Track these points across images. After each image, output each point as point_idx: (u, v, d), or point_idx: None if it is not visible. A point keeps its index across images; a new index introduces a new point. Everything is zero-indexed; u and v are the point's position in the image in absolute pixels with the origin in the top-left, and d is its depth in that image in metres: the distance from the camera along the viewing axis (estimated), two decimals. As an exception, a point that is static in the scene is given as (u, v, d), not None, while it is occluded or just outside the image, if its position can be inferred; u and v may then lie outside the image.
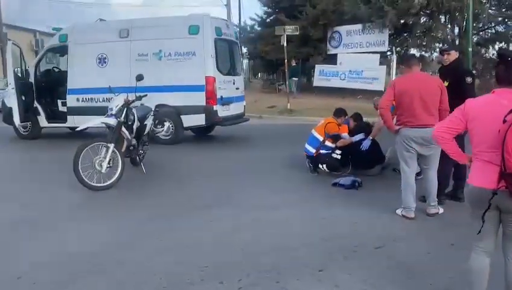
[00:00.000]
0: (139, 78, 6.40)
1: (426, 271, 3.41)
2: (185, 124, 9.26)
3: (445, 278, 3.28)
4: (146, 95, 6.48)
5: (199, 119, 9.15)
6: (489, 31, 20.87)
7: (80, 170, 5.58)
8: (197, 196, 5.56)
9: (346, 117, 6.72)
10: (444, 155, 5.19)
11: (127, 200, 5.50)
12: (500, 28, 21.04)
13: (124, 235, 4.24)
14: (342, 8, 20.60)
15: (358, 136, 6.38)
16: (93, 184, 5.69)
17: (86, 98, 9.70)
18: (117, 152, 5.91)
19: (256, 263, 3.56)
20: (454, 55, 5.01)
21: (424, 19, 18.89)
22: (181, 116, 9.12)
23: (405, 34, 21.52)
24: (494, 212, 2.53)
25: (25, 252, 3.89)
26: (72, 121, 9.89)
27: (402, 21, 18.06)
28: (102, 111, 8.80)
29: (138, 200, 5.47)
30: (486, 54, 20.72)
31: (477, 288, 2.63)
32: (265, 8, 27.70)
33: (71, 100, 9.84)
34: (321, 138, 6.41)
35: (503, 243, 2.61)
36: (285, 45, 15.77)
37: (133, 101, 6.20)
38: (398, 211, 4.69)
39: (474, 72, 9.63)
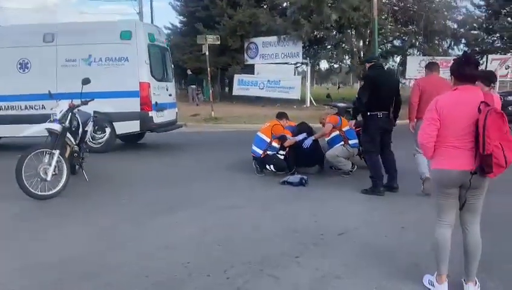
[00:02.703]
0: (85, 82, 6.15)
1: (389, 250, 3.83)
2: (118, 131, 8.99)
3: (407, 254, 3.72)
4: (93, 100, 6.25)
5: (133, 126, 8.97)
6: (389, 44, 23.17)
7: (24, 179, 5.25)
8: (154, 202, 5.47)
9: (287, 121, 7.11)
10: (368, 151, 5.86)
11: (80, 208, 5.25)
12: (397, 43, 23.48)
13: (94, 243, 4.10)
14: (257, 20, 21.43)
15: (301, 136, 6.80)
16: (38, 193, 5.37)
17: (5, 106, 8.99)
18: (62, 159, 5.64)
19: (236, 256, 3.71)
20: (366, 65, 6.19)
21: (334, 32, 20.37)
22: (113, 123, 8.83)
23: (316, 47, 23.05)
24: (456, 190, 2.98)
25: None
26: (-12, 131, 9.12)
27: (316, 34, 19.29)
28: (24, 119, 8.34)
29: (92, 208, 5.25)
30: (388, 65, 23.06)
31: (443, 257, 3.05)
32: (181, 18, 27.64)
33: (-13, 108, 9.04)
34: (268, 140, 6.71)
35: (462, 216, 3.06)
36: (207, 53, 16.01)
37: (78, 106, 5.97)
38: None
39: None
